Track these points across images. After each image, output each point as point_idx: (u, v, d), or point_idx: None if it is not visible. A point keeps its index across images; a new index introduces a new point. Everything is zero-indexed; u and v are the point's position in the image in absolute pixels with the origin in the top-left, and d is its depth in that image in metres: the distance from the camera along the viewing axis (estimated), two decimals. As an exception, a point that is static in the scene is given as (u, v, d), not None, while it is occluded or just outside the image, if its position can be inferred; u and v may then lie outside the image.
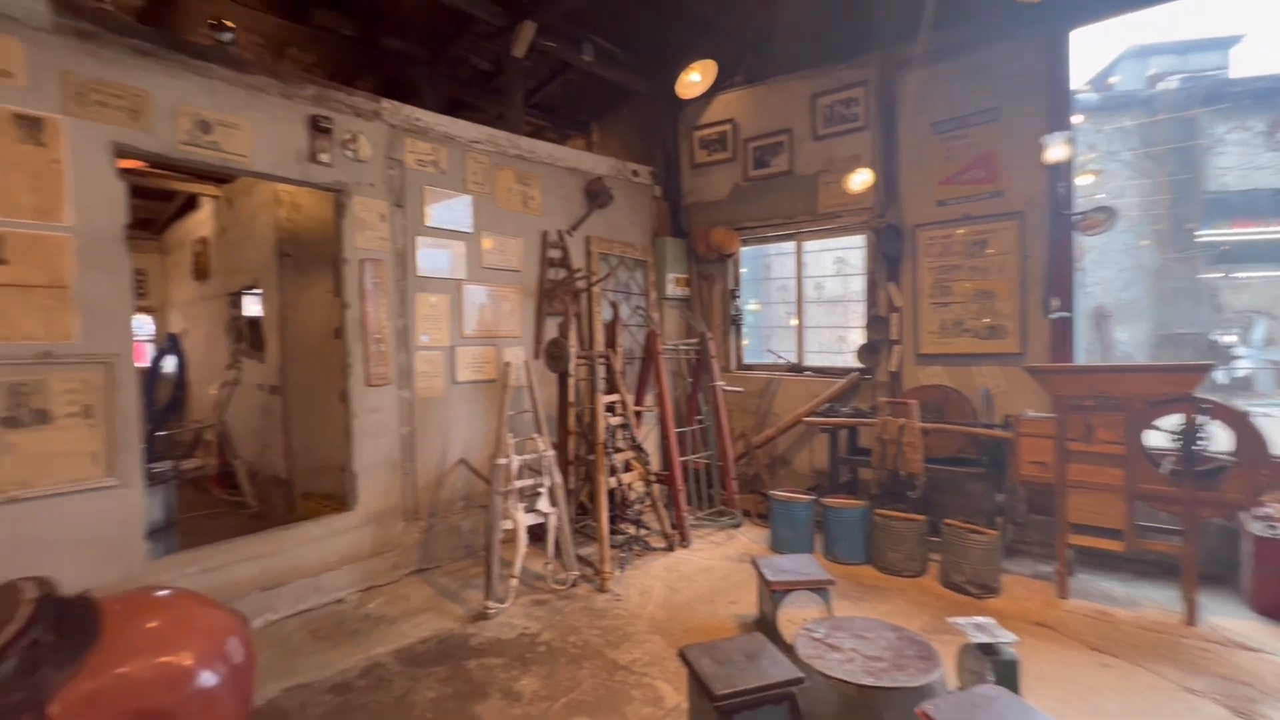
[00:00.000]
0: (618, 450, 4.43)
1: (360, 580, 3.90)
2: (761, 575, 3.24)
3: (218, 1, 4.81)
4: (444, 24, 5.57)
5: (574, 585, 3.94)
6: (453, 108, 6.27)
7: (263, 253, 5.71)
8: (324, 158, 3.71)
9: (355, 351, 3.90)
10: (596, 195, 5.39)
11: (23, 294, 2.67)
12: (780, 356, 5.78)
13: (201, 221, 7.08)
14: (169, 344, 7.60)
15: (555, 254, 5.12)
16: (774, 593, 3.13)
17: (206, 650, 1.94)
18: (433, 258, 4.33)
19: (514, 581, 3.76)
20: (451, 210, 4.45)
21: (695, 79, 5.51)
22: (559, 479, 4.06)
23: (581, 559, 4.23)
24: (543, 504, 3.97)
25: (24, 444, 2.67)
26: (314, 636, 3.38)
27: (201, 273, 7.08)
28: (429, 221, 4.31)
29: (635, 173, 5.95)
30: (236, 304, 6.32)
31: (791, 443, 5.46)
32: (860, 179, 4.98)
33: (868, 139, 5.05)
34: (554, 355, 4.55)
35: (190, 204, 7.30)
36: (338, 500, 5.13)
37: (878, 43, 4.95)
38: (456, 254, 4.48)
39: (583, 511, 4.86)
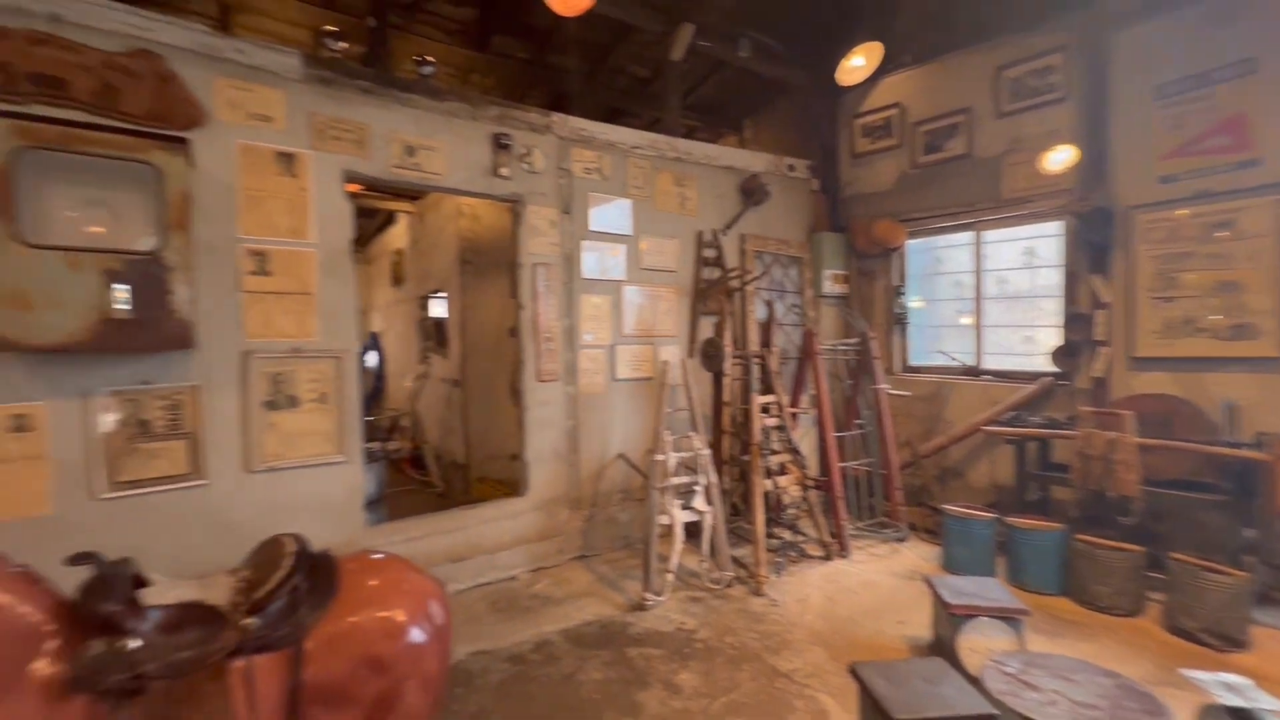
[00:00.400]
0: (773, 452, 4.33)
1: (529, 561, 4.22)
2: (938, 596, 2.98)
3: (418, 40, 5.46)
4: (604, 37, 5.83)
5: (729, 586, 3.92)
6: (609, 117, 6.54)
7: (447, 260, 6.40)
8: (504, 171, 4.06)
9: (528, 349, 4.22)
10: (752, 192, 5.31)
11: (281, 300, 3.26)
12: (954, 358, 5.28)
13: (398, 235, 8.09)
14: (371, 341, 8.80)
15: (710, 253, 5.13)
16: (953, 616, 2.86)
17: (415, 610, 2.18)
18: (595, 260, 4.55)
19: (670, 576, 3.83)
20: (613, 214, 4.65)
21: (858, 64, 5.23)
22: (714, 478, 4.07)
23: (735, 560, 4.20)
24: (698, 502, 4.00)
25: (280, 423, 3.25)
26: (492, 608, 3.71)
27: (398, 279, 8.09)
28: (592, 226, 4.54)
29: (791, 167, 5.78)
30: (425, 306, 7.15)
31: (966, 453, 4.96)
32: (1059, 157, 4.38)
33: (1068, 111, 4.42)
34: (709, 354, 4.56)
35: (389, 220, 8.38)
36: (507, 486, 5.57)
37: (1080, 1, 4.32)
38: (617, 256, 4.67)
39: (735, 513, 4.82)
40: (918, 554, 4.48)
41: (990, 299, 5.16)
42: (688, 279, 5.08)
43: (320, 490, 3.39)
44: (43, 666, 1.60)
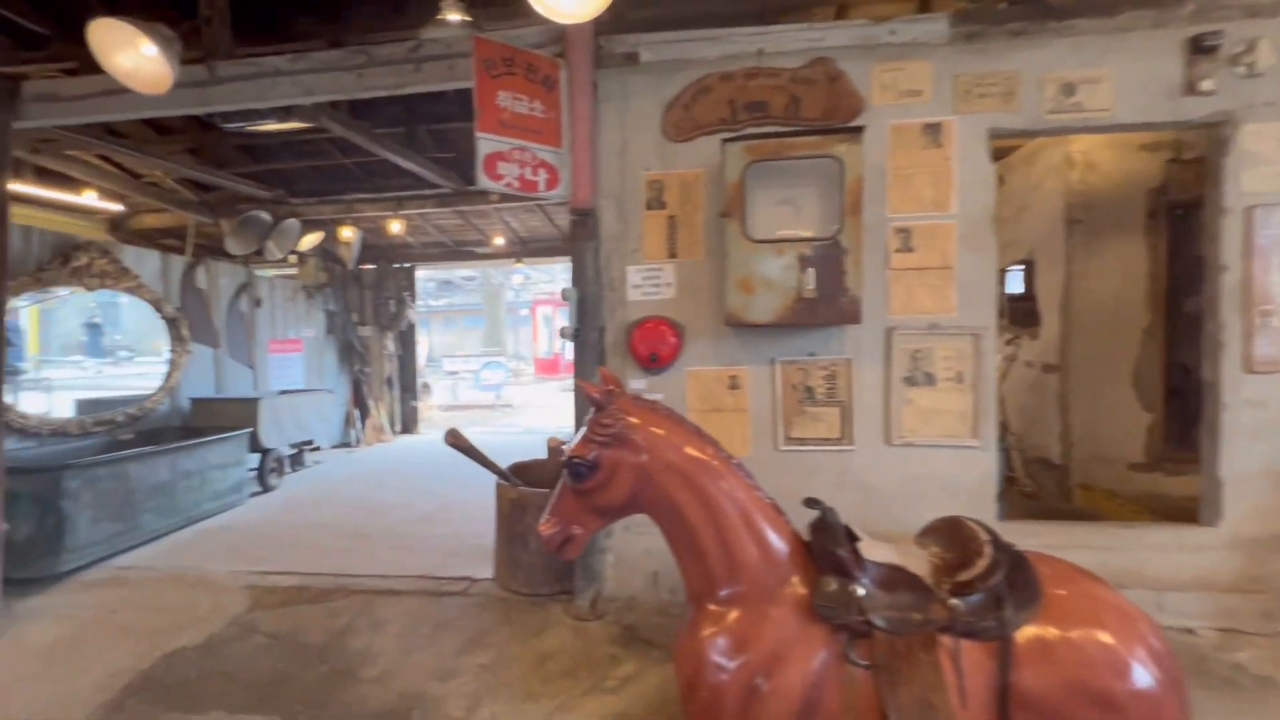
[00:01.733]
0: None
1: (1214, 616, 3.10)
2: None
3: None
4: None
5: None
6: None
7: (1044, 223, 5.45)
8: (1205, 85, 2.99)
9: (1228, 327, 3.05)
10: None
11: (921, 276, 3.24)
12: None
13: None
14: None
15: None
16: None
17: (1132, 640, 1.71)
18: (1371, 189, 2.93)
19: None
20: None
21: None
22: None
23: None
24: None
25: (917, 400, 3.26)
26: (1168, 662, 2.86)
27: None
28: (1366, 136, 2.92)
29: None
30: (1000, 282, 6.34)
31: None
32: None
33: None
34: None
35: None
36: (1122, 499, 4.48)
37: None
38: None
39: None
40: None
41: None
42: None
43: (951, 472, 3.26)
44: (794, 589, 1.87)
